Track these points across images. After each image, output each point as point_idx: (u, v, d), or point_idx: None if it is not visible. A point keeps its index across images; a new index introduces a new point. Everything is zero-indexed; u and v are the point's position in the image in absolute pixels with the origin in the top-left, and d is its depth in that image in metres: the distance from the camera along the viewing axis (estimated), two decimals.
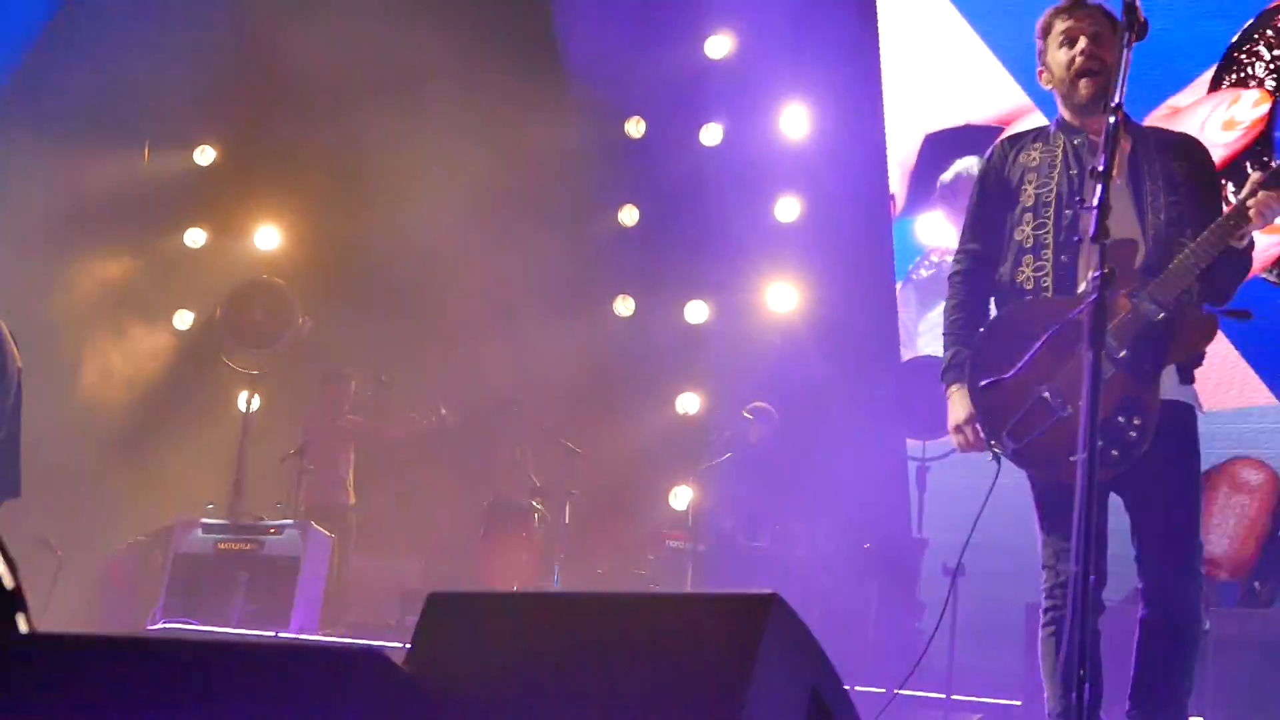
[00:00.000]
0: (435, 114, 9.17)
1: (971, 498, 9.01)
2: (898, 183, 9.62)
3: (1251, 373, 8.29)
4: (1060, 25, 4.28)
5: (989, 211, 4.39)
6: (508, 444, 9.15)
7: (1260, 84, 8.55)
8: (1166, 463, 4.07)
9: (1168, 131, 4.35)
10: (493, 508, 8.79)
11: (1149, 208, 4.15)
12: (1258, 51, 8.62)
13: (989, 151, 4.49)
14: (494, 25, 9.40)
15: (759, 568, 8.24)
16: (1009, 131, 8.97)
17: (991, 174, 4.44)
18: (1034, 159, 4.34)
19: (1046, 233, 4.22)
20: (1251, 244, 4.05)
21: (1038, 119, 8.84)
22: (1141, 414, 3.97)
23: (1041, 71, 4.38)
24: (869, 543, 8.49)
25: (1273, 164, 3.75)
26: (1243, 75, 8.57)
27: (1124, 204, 4.15)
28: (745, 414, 9.00)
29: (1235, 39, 8.62)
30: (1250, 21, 8.59)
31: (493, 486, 8.99)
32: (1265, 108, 8.37)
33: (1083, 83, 4.18)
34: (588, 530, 8.91)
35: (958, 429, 4.25)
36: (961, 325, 4.32)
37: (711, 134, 9.92)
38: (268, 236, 9.72)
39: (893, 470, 8.86)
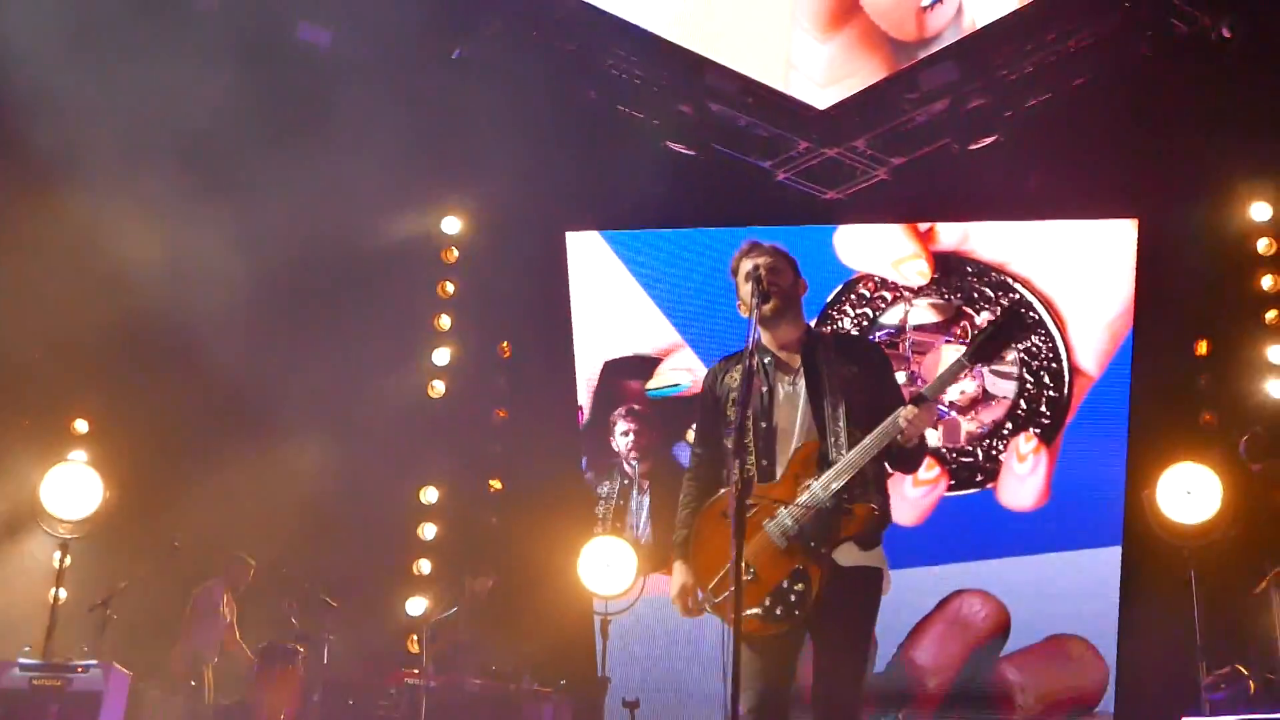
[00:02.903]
0: None
1: (641, 645, 9.95)
2: (584, 396, 11.05)
3: None
4: (746, 264, 4.61)
5: (708, 424, 4.73)
6: (276, 598, 9.88)
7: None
8: (851, 618, 4.40)
9: (844, 336, 4.75)
10: (265, 650, 9.38)
11: (825, 408, 4.46)
12: (845, 310, 10.47)
13: (706, 374, 4.83)
14: None
15: (477, 701, 9.09)
16: (665, 361, 10.97)
17: (707, 394, 4.75)
18: (735, 379, 4.59)
19: (749, 441, 4.50)
20: (923, 440, 4.43)
21: (687, 353, 10.54)
22: (805, 582, 4.31)
23: (740, 303, 4.66)
24: (564, 680, 9.53)
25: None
26: (834, 327, 10.32)
27: (803, 408, 4.51)
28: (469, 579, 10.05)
29: (829, 300, 10.46)
30: (839, 287, 10.47)
31: (265, 633, 9.66)
32: None
33: (767, 306, 4.47)
34: (342, 668, 9.64)
35: (680, 595, 4.59)
36: (688, 515, 4.68)
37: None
38: None
39: (582, 622, 9.80)
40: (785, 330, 4.63)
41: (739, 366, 4.58)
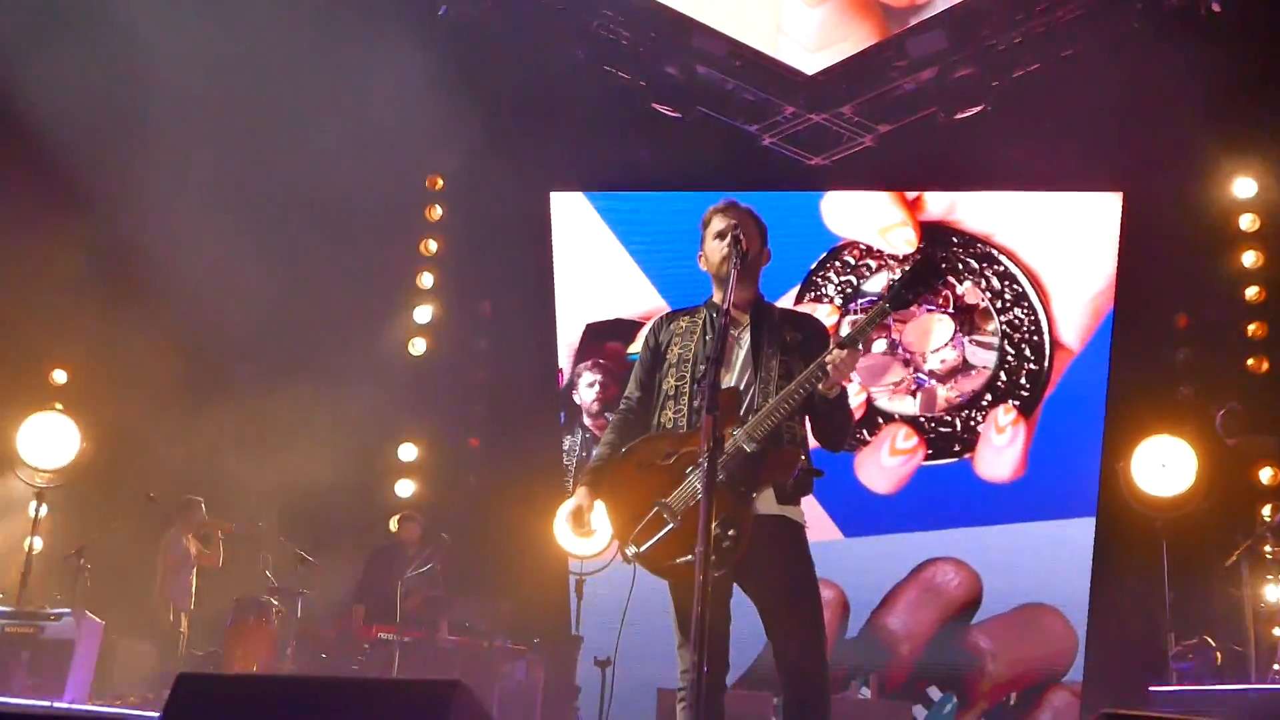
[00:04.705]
0: None
1: (615, 605, 10.16)
2: (564, 359, 11.06)
3: (827, 517, 10.00)
4: (717, 222, 4.66)
5: (646, 370, 4.80)
6: (253, 552, 9.92)
7: (831, 300, 10.40)
8: (783, 566, 4.46)
9: (791, 310, 4.76)
10: (239, 603, 9.30)
11: (762, 364, 4.55)
12: (829, 276, 10.45)
13: (652, 322, 4.92)
14: None
15: (450, 657, 9.10)
16: (647, 324, 10.86)
17: (650, 340, 4.84)
18: (681, 327, 4.75)
19: (685, 384, 4.61)
20: (844, 396, 4.48)
21: None
22: (736, 527, 4.28)
23: (701, 256, 4.74)
24: (538, 638, 9.56)
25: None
26: (818, 294, 10.38)
27: (742, 358, 4.60)
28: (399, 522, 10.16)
29: (814, 266, 10.46)
30: (824, 254, 10.46)
31: (240, 586, 9.62)
32: (835, 318, 10.29)
33: (729, 267, 4.47)
34: (315, 623, 9.63)
35: (573, 515, 4.58)
36: (607, 453, 4.70)
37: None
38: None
39: (557, 581, 9.99)
40: (740, 290, 4.63)
41: (685, 317, 4.78)
